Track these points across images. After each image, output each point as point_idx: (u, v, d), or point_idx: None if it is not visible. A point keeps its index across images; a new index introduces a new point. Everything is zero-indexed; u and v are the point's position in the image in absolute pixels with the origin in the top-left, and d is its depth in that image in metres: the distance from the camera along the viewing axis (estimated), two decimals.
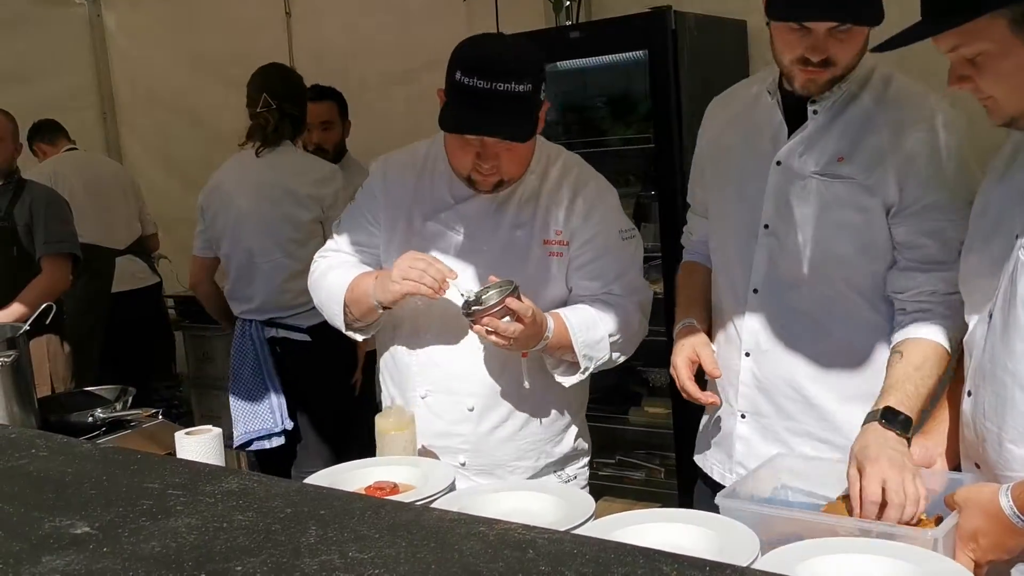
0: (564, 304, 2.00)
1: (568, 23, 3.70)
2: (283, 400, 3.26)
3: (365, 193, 2.09)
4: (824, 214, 1.75)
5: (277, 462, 3.33)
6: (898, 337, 1.71)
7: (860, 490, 1.47)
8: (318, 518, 1.19)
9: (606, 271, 1.99)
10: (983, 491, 1.38)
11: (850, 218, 1.74)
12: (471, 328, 1.81)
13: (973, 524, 1.35)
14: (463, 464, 1.97)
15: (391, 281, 1.84)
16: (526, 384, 1.94)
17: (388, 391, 2.10)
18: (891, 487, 1.45)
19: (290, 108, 3.34)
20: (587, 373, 1.96)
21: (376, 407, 2.24)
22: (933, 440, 1.60)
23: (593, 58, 3.58)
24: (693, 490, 3.50)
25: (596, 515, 1.49)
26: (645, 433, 3.68)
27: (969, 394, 1.47)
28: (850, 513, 1.47)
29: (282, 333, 3.34)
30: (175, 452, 1.87)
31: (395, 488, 1.64)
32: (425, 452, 1.94)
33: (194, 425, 2.31)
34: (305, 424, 3.35)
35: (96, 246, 4.47)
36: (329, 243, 2.16)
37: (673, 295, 2.10)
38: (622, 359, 2.00)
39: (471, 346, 1.92)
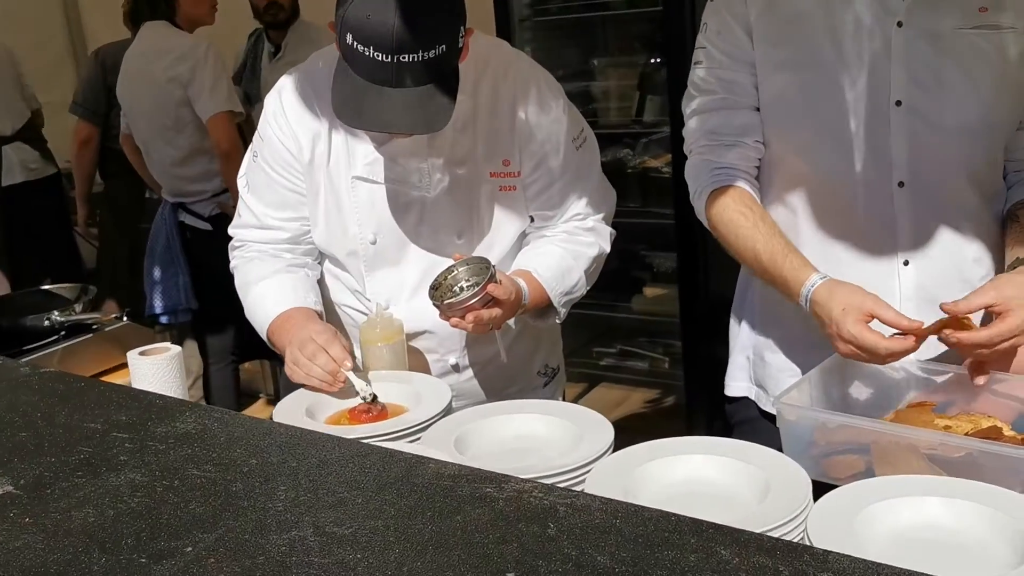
0: (523, 234, 1.76)
1: None
2: (188, 280, 3.36)
3: (269, 146, 1.70)
4: (976, 75, 1.48)
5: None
6: (1019, 196, 1.52)
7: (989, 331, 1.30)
8: (288, 472, 0.98)
9: (566, 195, 1.73)
10: None
11: (1006, 75, 1.49)
12: (444, 319, 1.54)
13: None
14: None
15: (287, 362, 1.57)
16: (504, 358, 1.74)
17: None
18: None
19: None
20: (563, 317, 1.77)
21: None
22: None
23: None
24: (698, 379, 3.36)
25: (596, 402, 1.30)
26: (647, 321, 3.50)
27: None
28: (923, 424, 1.27)
29: (189, 220, 3.39)
30: None
31: (384, 411, 1.45)
32: (414, 361, 1.73)
33: None
34: (212, 309, 3.38)
35: None
36: (243, 212, 1.77)
37: (681, 174, 1.69)
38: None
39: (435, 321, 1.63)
